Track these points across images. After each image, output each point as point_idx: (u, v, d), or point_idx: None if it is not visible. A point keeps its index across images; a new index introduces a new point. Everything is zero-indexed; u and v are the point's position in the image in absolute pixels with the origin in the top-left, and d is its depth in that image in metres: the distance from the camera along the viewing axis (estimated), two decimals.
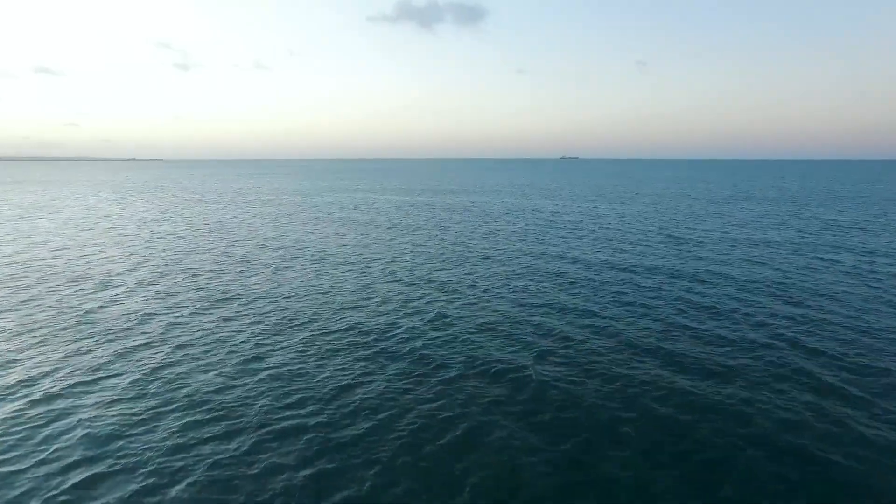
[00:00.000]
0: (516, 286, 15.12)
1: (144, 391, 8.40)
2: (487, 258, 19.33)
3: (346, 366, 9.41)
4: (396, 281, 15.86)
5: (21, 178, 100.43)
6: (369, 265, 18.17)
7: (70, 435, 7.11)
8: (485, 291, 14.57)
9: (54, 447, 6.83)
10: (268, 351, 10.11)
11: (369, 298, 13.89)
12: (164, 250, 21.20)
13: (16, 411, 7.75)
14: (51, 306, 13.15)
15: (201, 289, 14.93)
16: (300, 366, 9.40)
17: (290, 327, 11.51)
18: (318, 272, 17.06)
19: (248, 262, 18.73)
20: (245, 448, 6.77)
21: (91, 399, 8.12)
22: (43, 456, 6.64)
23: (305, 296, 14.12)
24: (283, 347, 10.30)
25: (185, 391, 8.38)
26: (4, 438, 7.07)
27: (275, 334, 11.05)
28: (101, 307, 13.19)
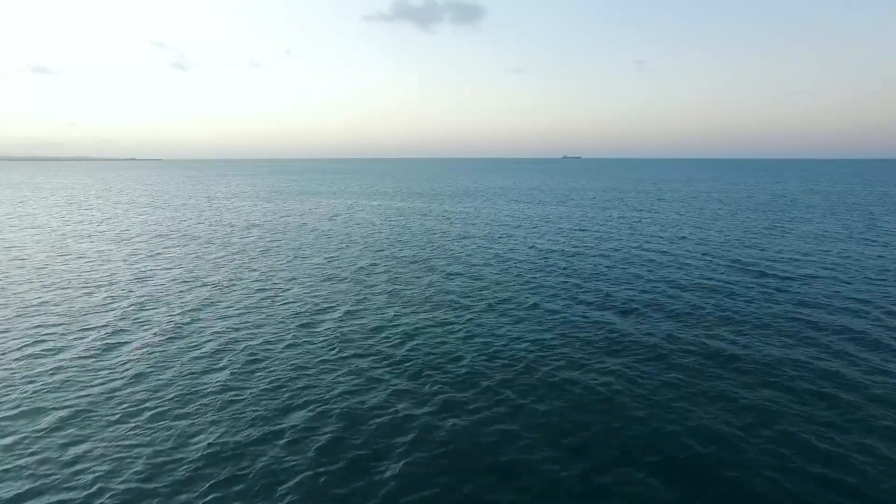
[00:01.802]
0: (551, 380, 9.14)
1: None
2: (502, 299, 13.38)
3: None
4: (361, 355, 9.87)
5: (11, 180, 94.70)
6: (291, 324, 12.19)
7: None
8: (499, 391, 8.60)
9: None
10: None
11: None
12: (68, 274, 15.68)
13: None
14: None
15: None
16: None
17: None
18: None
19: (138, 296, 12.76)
20: None
21: None
22: None
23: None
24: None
25: None
26: None
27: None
28: None
